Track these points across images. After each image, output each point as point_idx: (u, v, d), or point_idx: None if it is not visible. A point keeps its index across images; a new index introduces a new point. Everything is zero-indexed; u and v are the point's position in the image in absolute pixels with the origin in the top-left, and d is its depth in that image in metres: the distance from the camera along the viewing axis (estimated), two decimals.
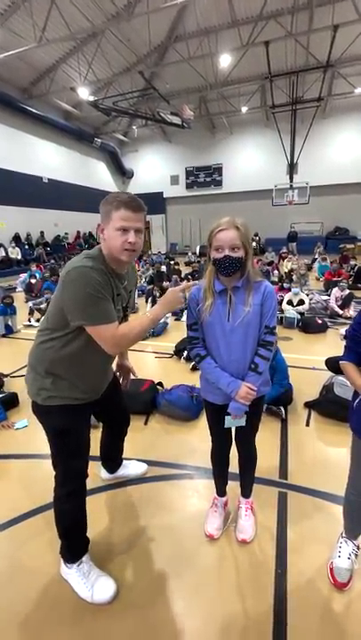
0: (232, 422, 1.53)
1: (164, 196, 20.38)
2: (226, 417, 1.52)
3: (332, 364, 3.30)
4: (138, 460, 2.29)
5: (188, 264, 13.08)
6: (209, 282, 1.45)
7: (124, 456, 2.15)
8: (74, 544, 1.52)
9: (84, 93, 12.52)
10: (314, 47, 11.78)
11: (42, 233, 14.92)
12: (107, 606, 1.43)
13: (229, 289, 1.42)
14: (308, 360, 3.99)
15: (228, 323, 1.42)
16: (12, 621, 1.40)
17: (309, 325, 5.18)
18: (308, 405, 2.98)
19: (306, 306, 5.80)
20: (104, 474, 2.16)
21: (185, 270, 10.81)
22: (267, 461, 2.24)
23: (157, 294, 6.12)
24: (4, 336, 5.48)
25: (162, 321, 5.44)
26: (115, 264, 1.33)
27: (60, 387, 1.38)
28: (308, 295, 6.29)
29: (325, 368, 3.46)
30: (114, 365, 1.79)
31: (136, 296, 6.59)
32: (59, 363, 1.36)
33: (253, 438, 1.71)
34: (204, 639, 1.31)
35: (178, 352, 4.25)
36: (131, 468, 2.21)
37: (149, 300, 6.31)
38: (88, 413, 1.56)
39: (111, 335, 1.25)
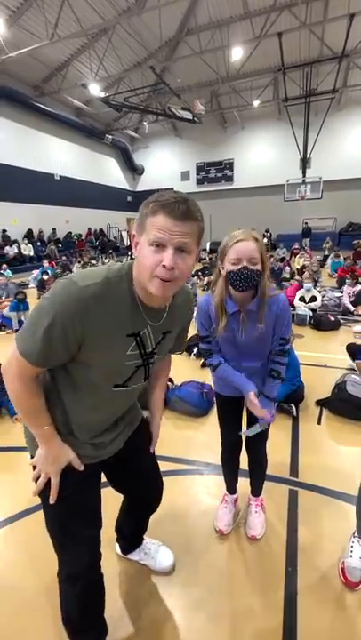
0: (253, 430, 1.55)
1: None
2: (253, 426, 1.53)
3: (353, 350, 3.27)
4: None
5: (198, 260, 13.05)
6: (221, 300, 1.36)
7: None
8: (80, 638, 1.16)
9: (96, 90, 12.57)
10: (329, 37, 11.52)
11: (54, 230, 15.09)
12: (114, 603, 1.42)
13: (243, 311, 1.36)
14: (320, 357, 3.93)
15: (241, 338, 1.42)
16: (14, 618, 1.41)
17: (322, 322, 5.12)
18: (320, 403, 2.94)
19: (318, 303, 5.72)
20: (118, 549, 1.62)
21: (195, 267, 10.78)
22: (277, 459, 2.22)
23: None
24: (17, 332, 5.57)
25: None
26: (143, 294, 0.91)
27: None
28: (320, 292, 6.19)
29: (337, 366, 3.42)
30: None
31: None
32: (54, 398, 1.01)
33: (264, 443, 1.70)
34: (213, 636, 1.32)
35: (188, 348, 4.25)
36: (152, 552, 1.56)
37: None
38: (93, 478, 1.12)
39: (13, 369, 0.91)
